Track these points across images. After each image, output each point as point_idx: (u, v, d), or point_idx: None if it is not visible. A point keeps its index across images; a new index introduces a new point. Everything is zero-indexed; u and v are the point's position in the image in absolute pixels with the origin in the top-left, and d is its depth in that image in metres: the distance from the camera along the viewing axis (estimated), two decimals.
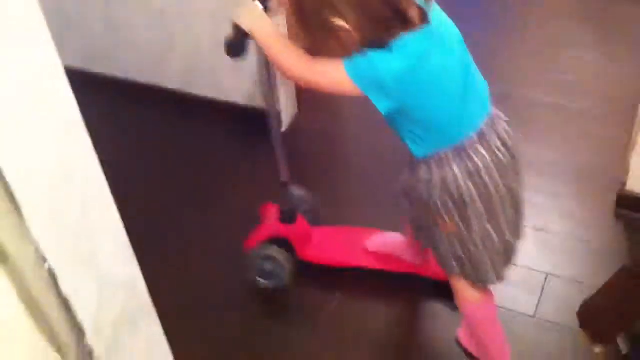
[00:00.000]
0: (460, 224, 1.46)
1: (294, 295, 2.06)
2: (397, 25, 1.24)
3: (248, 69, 2.23)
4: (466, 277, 1.59)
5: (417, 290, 2.02)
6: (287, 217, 1.98)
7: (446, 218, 1.47)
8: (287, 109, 2.65)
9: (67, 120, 0.98)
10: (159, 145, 2.63)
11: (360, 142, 2.59)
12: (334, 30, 1.24)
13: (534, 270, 2.07)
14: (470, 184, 1.40)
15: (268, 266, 1.98)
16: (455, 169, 1.39)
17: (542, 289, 2.01)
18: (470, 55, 1.40)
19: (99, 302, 1.01)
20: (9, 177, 0.85)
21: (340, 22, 1.23)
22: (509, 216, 1.50)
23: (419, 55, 1.25)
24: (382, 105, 1.29)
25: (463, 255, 1.53)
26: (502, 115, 1.49)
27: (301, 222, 2.02)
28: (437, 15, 1.31)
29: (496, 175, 1.42)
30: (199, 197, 2.39)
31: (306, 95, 2.64)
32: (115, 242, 1.06)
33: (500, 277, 1.59)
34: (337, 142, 2.61)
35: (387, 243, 2.02)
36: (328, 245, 2.07)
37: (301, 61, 1.34)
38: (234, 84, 2.56)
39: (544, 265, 2.08)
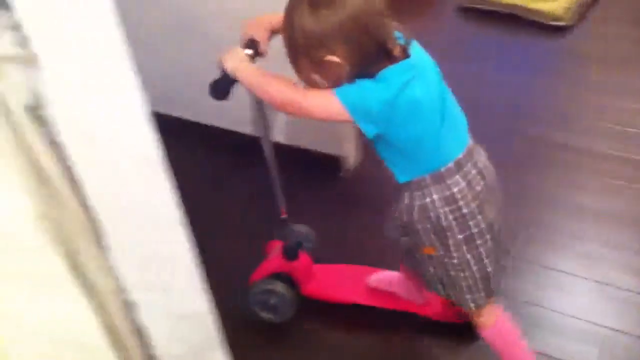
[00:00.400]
0: (440, 248, 1.53)
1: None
2: (383, 60, 1.35)
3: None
4: (449, 299, 1.65)
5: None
6: (289, 253, 2.03)
7: (426, 242, 1.54)
8: (352, 153, 2.69)
9: (147, 153, 1.03)
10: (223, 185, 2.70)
11: None
12: (326, 66, 1.34)
13: (595, 324, 2.03)
14: (447, 210, 1.47)
15: (271, 300, 2.03)
16: (434, 195, 1.47)
17: (604, 344, 1.97)
18: (448, 89, 1.48)
19: (171, 334, 1.04)
20: (97, 211, 0.90)
21: (332, 58, 1.32)
22: (488, 247, 1.55)
23: (401, 84, 1.34)
24: (368, 130, 1.38)
25: (444, 279, 1.59)
26: (481, 150, 1.56)
27: (304, 258, 2.07)
28: (417, 51, 1.42)
29: (472, 205, 1.48)
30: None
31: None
32: (188, 275, 1.10)
33: (478, 306, 1.63)
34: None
35: (388, 280, 2.05)
36: (330, 281, 2.12)
37: (291, 88, 1.42)
38: (304, 130, 2.61)
39: (606, 319, 2.04)
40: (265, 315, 2.07)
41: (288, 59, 1.41)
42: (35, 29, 0.82)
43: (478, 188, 1.49)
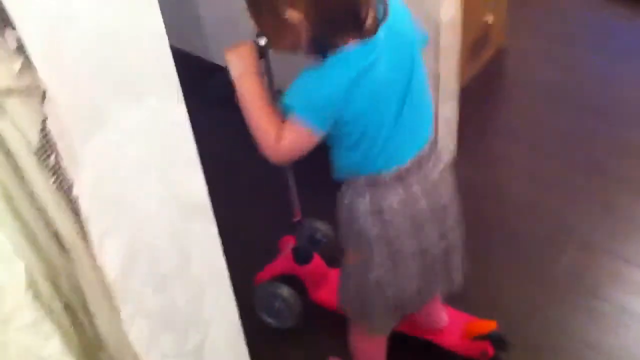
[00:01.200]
0: (360, 259, 1.37)
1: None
2: (350, 31, 1.16)
3: None
4: (353, 316, 1.50)
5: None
6: (301, 256, 1.85)
7: (349, 249, 1.39)
8: (445, 147, 2.44)
9: (192, 201, 0.88)
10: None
11: (518, 200, 2.31)
12: (287, 21, 1.17)
13: None
14: (372, 221, 1.29)
15: (276, 304, 1.87)
16: (363, 201, 1.29)
17: None
18: (423, 72, 1.28)
19: None
20: (118, 271, 0.75)
21: (293, 13, 1.15)
22: (412, 273, 1.37)
23: (363, 68, 1.16)
24: (325, 126, 1.21)
25: (356, 293, 1.43)
26: (440, 157, 1.36)
27: (316, 262, 1.87)
28: (397, 21, 1.21)
29: (406, 223, 1.30)
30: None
31: (467, 136, 2.43)
32: (227, 335, 0.95)
33: (386, 331, 1.50)
34: (491, 196, 2.37)
35: None
36: None
37: (271, 127, 1.23)
38: None
39: None
40: (268, 319, 1.92)
41: (251, 16, 1.24)
42: (41, 53, 0.65)
43: (420, 206, 1.30)
